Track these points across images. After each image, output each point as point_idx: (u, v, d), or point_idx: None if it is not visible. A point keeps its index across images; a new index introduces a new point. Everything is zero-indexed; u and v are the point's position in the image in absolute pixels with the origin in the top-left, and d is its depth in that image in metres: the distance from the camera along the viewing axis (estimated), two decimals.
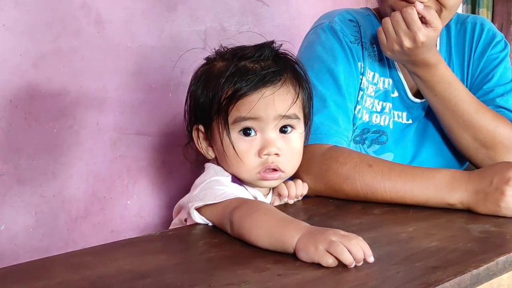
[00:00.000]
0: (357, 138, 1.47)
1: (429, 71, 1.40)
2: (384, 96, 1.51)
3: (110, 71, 1.52)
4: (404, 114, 1.53)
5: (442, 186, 1.24)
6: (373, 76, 1.49)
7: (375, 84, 1.49)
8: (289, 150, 1.17)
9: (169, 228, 1.19)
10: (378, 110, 1.49)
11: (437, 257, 0.93)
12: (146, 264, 0.90)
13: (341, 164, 1.31)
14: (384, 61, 1.51)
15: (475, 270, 0.88)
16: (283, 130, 1.17)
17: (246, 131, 1.15)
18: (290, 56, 1.21)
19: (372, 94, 1.48)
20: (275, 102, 1.14)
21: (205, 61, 1.23)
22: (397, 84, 1.53)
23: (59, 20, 1.41)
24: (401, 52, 1.35)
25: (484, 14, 2.71)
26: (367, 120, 1.47)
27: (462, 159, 1.59)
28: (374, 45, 1.50)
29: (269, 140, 1.14)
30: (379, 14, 1.54)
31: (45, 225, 1.45)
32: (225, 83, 1.13)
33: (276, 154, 1.15)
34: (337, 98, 1.41)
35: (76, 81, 1.46)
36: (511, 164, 1.26)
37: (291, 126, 1.18)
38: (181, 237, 1.07)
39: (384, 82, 1.51)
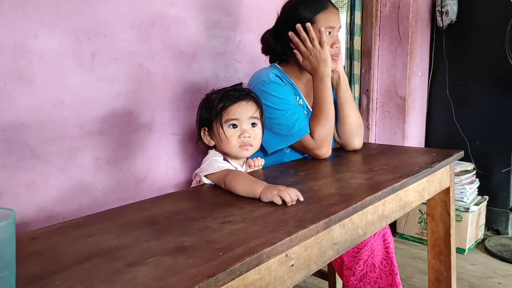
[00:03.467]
0: None
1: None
2: (304, 108, 1.49)
3: (155, 100, 1.51)
4: None
5: None
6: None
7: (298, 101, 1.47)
8: (255, 134, 1.18)
9: (191, 186, 1.19)
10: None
11: (334, 198, 0.94)
12: (178, 207, 0.91)
13: None
14: (296, 90, 1.48)
15: (354, 204, 0.90)
16: (252, 125, 1.18)
17: (233, 126, 1.16)
18: (251, 91, 1.23)
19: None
20: (247, 109, 1.16)
21: (205, 96, 1.24)
22: (304, 101, 1.50)
23: (126, 74, 1.41)
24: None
25: (357, 65, 2.73)
26: None
27: None
28: (290, 85, 1.46)
29: (245, 129, 1.16)
30: (282, 67, 1.50)
31: (122, 186, 1.45)
32: (218, 101, 1.15)
33: (249, 136, 1.16)
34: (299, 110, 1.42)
35: (137, 107, 1.45)
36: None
37: (256, 124, 1.19)
38: (198, 191, 1.07)
39: (300, 100, 1.48)
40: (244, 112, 1.16)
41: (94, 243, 0.72)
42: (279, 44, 1.50)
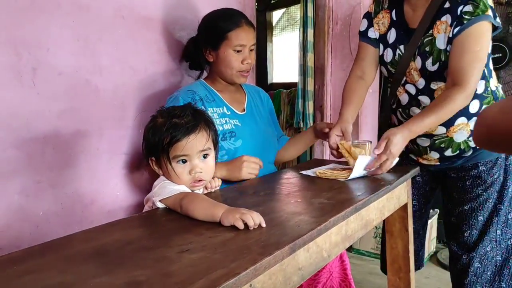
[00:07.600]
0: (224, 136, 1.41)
1: None
2: (223, 115, 1.45)
3: (104, 118, 1.43)
4: (235, 120, 1.46)
5: None
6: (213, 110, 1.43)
7: (215, 112, 1.43)
8: (207, 167, 1.12)
9: (143, 211, 1.11)
10: (223, 122, 1.43)
11: (297, 220, 0.90)
12: (130, 235, 0.84)
13: None
14: (216, 101, 1.46)
15: (318, 226, 0.87)
16: (204, 156, 1.11)
17: (181, 161, 1.09)
18: (202, 111, 1.17)
19: (216, 116, 1.41)
20: (196, 143, 1.08)
21: (151, 118, 1.15)
22: (228, 107, 1.47)
23: (72, 90, 1.32)
24: None
25: (310, 82, 2.75)
26: (221, 129, 1.40)
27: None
28: (207, 96, 1.45)
29: (195, 165, 1.09)
30: (207, 80, 1.52)
31: (67, 211, 1.34)
32: (164, 134, 1.07)
33: (200, 171, 1.10)
34: None
35: (84, 125, 1.36)
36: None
37: (208, 154, 1.13)
38: (151, 216, 1.00)
39: (218, 110, 1.45)
40: (193, 147, 1.08)
41: (33, 281, 0.64)
42: (196, 53, 1.55)
